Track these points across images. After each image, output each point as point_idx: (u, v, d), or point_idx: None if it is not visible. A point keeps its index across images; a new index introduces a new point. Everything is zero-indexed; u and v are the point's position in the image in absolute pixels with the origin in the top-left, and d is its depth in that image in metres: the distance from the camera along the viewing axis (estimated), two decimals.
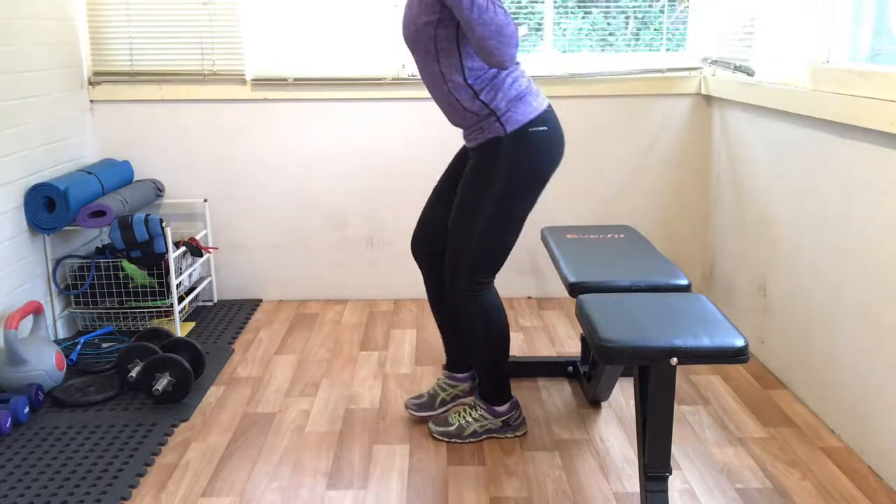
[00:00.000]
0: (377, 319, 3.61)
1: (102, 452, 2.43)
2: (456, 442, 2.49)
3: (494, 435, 2.51)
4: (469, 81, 2.26)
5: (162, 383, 2.69)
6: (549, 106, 2.34)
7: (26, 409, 2.61)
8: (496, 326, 2.42)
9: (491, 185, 2.28)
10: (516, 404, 2.53)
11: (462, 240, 2.35)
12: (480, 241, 2.33)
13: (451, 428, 2.50)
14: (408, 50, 2.46)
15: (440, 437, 2.50)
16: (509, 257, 3.90)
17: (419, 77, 3.60)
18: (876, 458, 2.30)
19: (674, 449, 2.44)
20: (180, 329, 3.38)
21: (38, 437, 2.52)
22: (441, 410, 2.63)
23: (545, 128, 2.29)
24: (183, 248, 3.44)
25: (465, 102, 2.28)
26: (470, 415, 2.50)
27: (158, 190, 3.64)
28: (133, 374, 2.80)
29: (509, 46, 2.12)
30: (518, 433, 2.52)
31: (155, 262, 3.29)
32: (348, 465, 2.38)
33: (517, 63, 2.32)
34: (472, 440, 2.49)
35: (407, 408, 2.66)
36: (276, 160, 3.72)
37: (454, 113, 2.34)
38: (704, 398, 2.79)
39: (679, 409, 2.69)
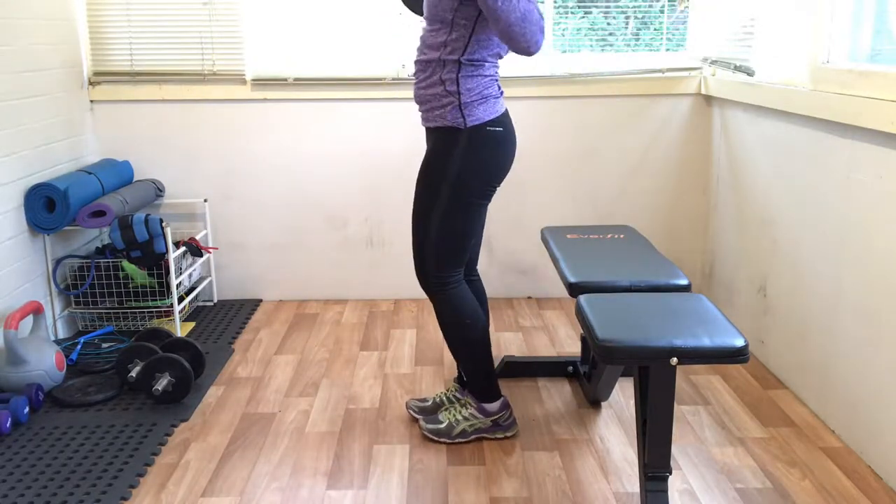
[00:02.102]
0: (377, 319, 3.61)
1: (102, 452, 2.43)
2: (444, 441, 2.48)
3: (484, 435, 2.50)
4: (463, 59, 2.26)
5: (162, 383, 2.69)
6: (507, 111, 2.38)
7: (26, 409, 2.61)
8: (467, 322, 2.42)
9: (445, 177, 2.31)
10: (507, 404, 2.52)
11: (422, 237, 2.38)
12: (438, 235, 2.35)
13: (441, 426, 2.49)
14: (414, 13, 2.49)
15: (429, 435, 2.49)
16: (509, 257, 3.92)
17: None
18: (876, 458, 2.30)
19: (674, 449, 2.44)
20: (180, 329, 3.38)
21: (38, 437, 2.52)
22: None
23: (501, 129, 2.33)
24: (183, 248, 3.44)
25: (444, 74, 2.28)
26: (460, 413, 2.50)
27: (158, 190, 3.64)
28: (133, 374, 2.80)
29: (535, 33, 2.13)
30: (508, 434, 2.52)
31: (155, 262, 3.29)
32: (348, 465, 2.38)
33: (497, 67, 2.35)
34: (460, 440, 2.49)
35: (408, 408, 2.67)
36: (276, 160, 3.72)
37: (424, 79, 2.33)
38: (704, 398, 2.79)
39: (679, 409, 2.69)
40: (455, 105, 2.28)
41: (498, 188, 2.40)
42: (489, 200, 2.39)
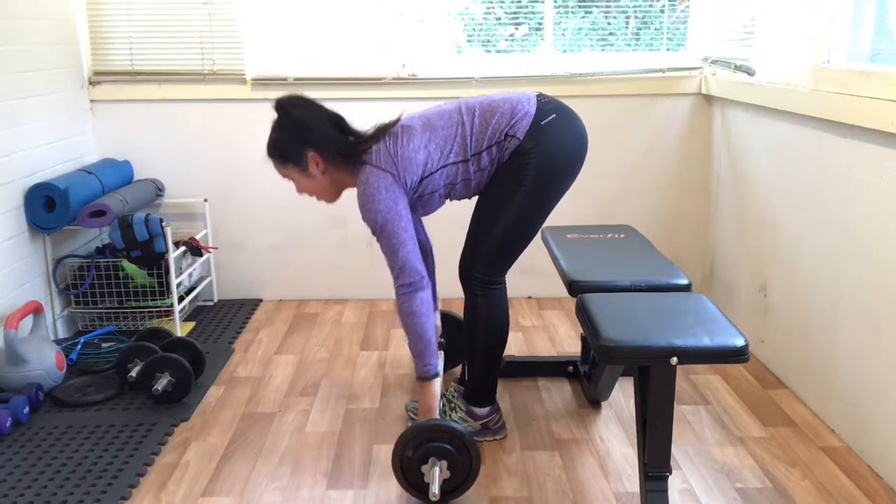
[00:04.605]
0: (377, 319, 3.61)
1: (102, 452, 2.43)
2: None
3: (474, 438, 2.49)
4: (472, 153, 2.30)
5: (162, 383, 2.69)
6: (539, 95, 2.35)
7: (26, 409, 2.61)
8: (498, 327, 2.42)
9: (522, 185, 2.30)
10: (497, 408, 2.52)
11: (484, 234, 2.37)
12: (503, 237, 2.35)
13: None
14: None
15: None
16: None
17: (419, 77, 3.61)
18: (876, 458, 2.30)
19: (674, 449, 2.44)
20: (180, 329, 3.38)
21: (38, 437, 2.52)
22: None
23: (554, 115, 2.31)
24: (183, 248, 3.44)
25: (482, 163, 2.32)
26: (450, 417, 2.50)
27: (158, 190, 3.64)
28: (133, 374, 2.80)
29: (411, 338, 2.29)
30: (497, 437, 2.51)
31: (155, 261, 3.29)
32: (348, 465, 2.38)
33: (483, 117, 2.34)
34: None
35: (408, 410, 2.66)
36: None
37: (484, 177, 2.36)
38: (704, 398, 2.79)
39: (679, 409, 2.69)
40: (503, 144, 2.29)
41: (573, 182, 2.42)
42: (563, 195, 2.39)
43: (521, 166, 2.29)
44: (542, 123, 2.28)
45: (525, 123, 2.28)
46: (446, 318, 2.95)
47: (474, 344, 2.44)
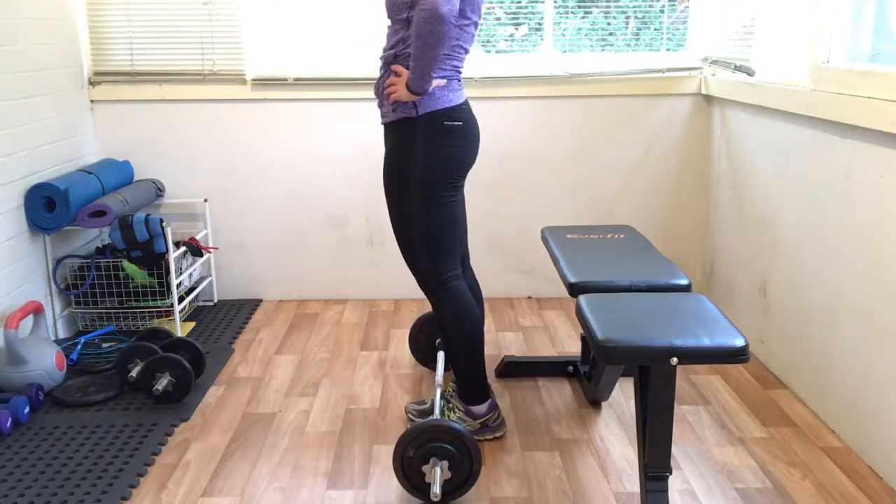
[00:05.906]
0: (377, 319, 3.61)
1: (102, 452, 2.43)
2: None
3: (473, 437, 2.49)
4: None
5: (162, 383, 2.69)
6: (467, 102, 2.32)
7: (26, 409, 2.61)
8: (468, 322, 2.41)
9: (409, 175, 2.27)
10: (494, 406, 2.52)
11: (405, 239, 2.36)
12: (420, 235, 2.33)
13: None
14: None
15: None
16: (510, 257, 3.91)
17: None
18: (876, 458, 2.30)
19: (674, 449, 2.44)
20: (180, 329, 3.38)
21: (38, 437, 2.52)
22: None
23: (460, 122, 2.27)
24: (183, 248, 3.44)
25: (396, 68, 2.27)
26: (448, 417, 2.50)
27: (158, 190, 3.64)
28: (133, 374, 2.80)
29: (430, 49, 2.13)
30: (497, 434, 2.52)
31: (155, 261, 3.29)
32: (348, 465, 2.38)
33: (454, 53, 2.28)
34: None
35: (407, 412, 2.66)
36: (276, 160, 3.72)
37: (382, 76, 2.32)
38: (704, 398, 2.79)
39: (679, 409, 2.69)
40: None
41: (464, 181, 2.37)
42: (458, 192, 2.35)
43: (405, 157, 2.26)
44: (446, 123, 2.24)
45: (435, 103, 2.22)
46: None
47: (450, 346, 2.44)
